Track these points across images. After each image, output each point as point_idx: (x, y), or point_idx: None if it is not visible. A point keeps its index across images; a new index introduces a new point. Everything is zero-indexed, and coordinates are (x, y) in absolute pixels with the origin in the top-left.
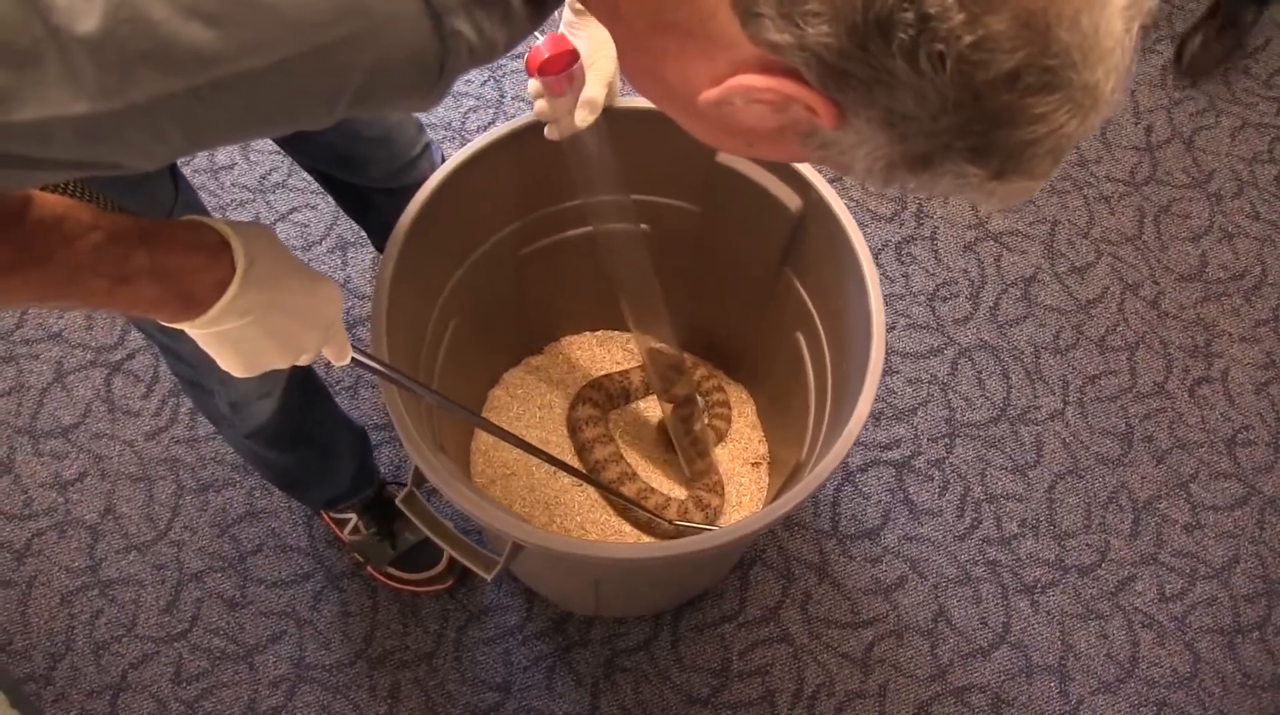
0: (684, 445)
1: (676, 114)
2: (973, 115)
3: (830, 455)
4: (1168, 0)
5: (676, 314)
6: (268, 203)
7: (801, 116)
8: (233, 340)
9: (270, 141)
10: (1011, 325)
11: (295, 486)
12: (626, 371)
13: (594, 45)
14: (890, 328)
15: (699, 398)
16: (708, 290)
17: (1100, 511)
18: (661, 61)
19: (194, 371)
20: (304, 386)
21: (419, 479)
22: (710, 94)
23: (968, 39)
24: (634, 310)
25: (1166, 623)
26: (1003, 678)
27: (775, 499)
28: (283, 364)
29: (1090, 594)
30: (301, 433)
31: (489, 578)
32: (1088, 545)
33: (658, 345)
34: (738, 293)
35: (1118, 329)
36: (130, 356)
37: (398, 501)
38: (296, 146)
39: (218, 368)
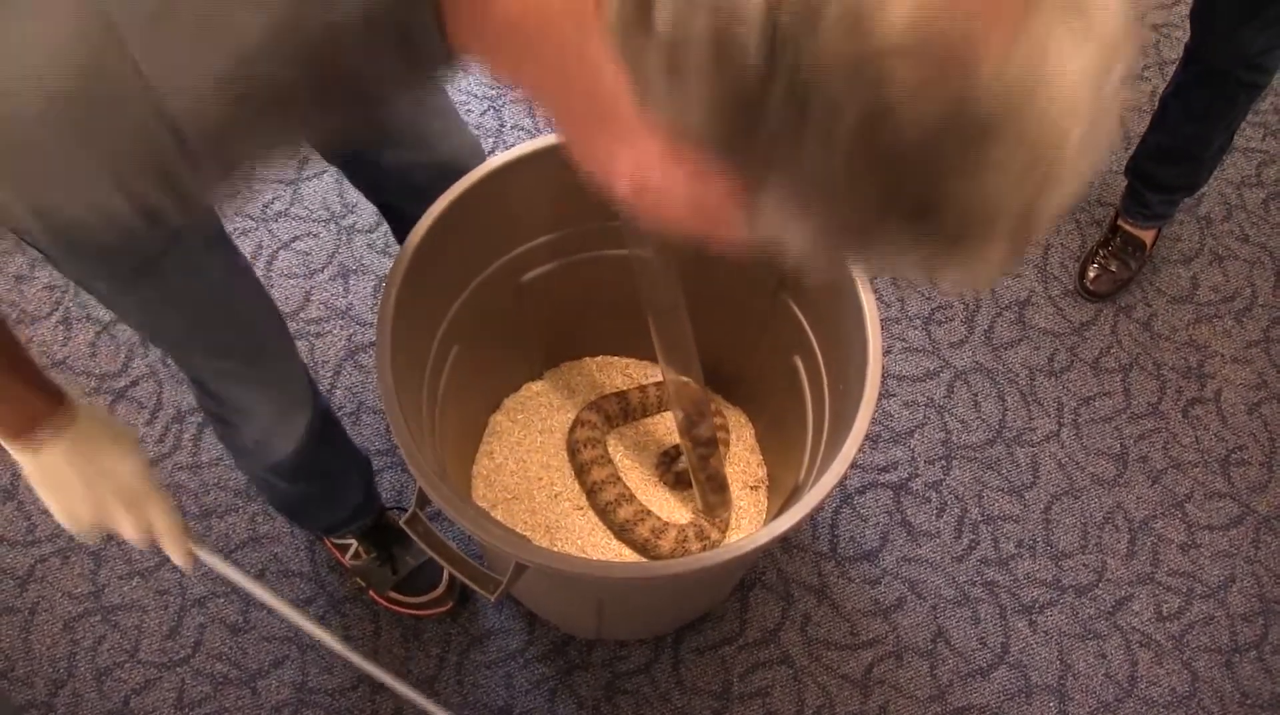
0: (699, 479)
1: (610, 194)
2: (891, 180)
3: (828, 475)
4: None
5: None
6: (270, 231)
7: (714, 199)
8: (51, 480)
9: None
10: (1006, 348)
11: (302, 514)
12: (624, 392)
13: None
14: (886, 351)
15: (719, 440)
16: (705, 315)
17: (1096, 531)
18: (582, 144)
19: (220, 407)
20: (325, 421)
21: (423, 501)
22: (623, 185)
23: (856, 102)
24: (663, 341)
25: (1164, 642)
26: (1002, 698)
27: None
28: (90, 519)
29: (1088, 614)
30: (319, 465)
31: (492, 598)
32: (1084, 565)
33: (684, 379)
34: (735, 317)
35: (1111, 351)
36: (134, 383)
37: (401, 523)
38: (363, 178)
39: (244, 403)
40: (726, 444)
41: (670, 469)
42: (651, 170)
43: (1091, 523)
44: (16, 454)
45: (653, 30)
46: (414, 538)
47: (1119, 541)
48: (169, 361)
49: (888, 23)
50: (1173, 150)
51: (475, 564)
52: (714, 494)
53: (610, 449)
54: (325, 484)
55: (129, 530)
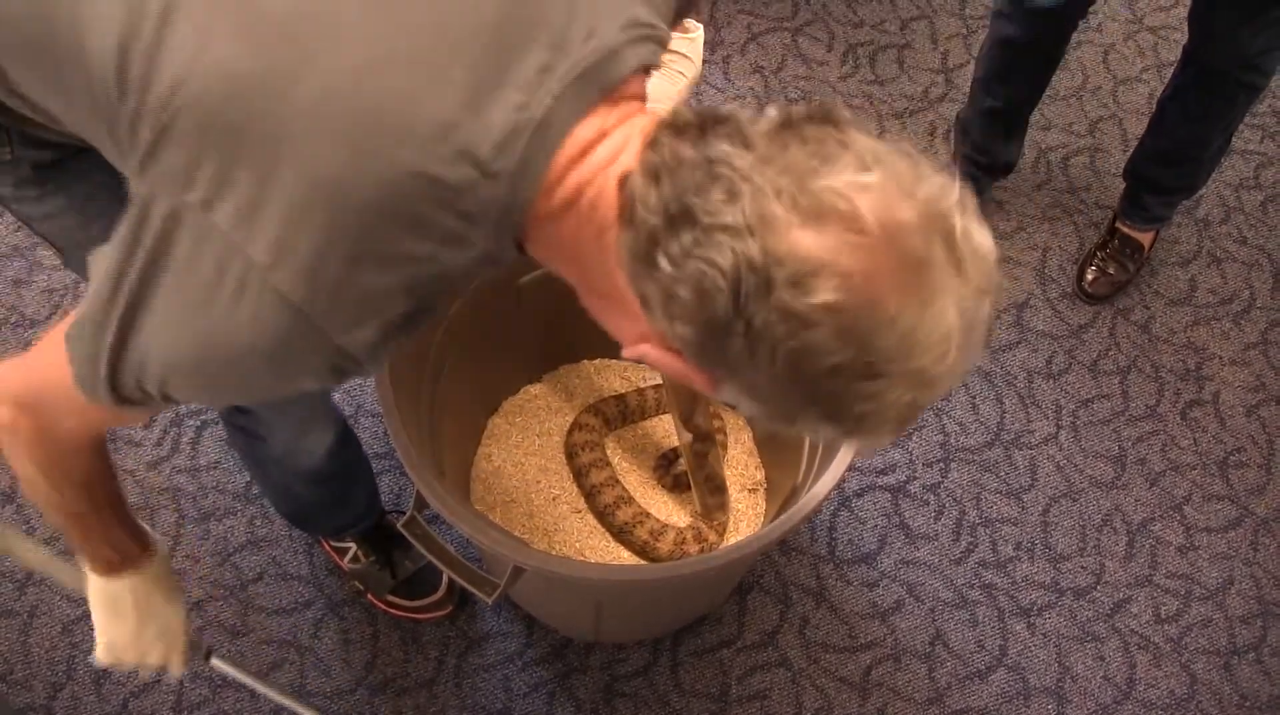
0: (698, 480)
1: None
2: (809, 393)
3: (826, 477)
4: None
5: None
6: None
7: (691, 379)
8: (112, 608)
9: None
10: (1004, 351)
11: (312, 519)
12: (622, 395)
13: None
14: None
15: (716, 436)
16: None
17: (1095, 534)
18: (599, 313)
19: (248, 418)
20: (346, 428)
21: (421, 504)
22: (628, 352)
23: (790, 344)
24: None
25: (1162, 644)
26: (1000, 700)
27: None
28: (131, 656)
29: (1086, 616)
30: (339, 470)
31: (489, 601)
32: (1083, 567)
33: None
34: None
35: (1109, 353)
36: None
37: (399, 526)
38: None
39: (274, 418)
40: (725, 446)
41: (669, 471)
42: (646, 353)
43: (1090, 525)
44: (93, 576)
45: (656, 271)
46: (412, 541)
47: (1117, 544)
48: None
49: (817, 295)
50: (1170, 152)
51: (473, 567)
52: (712, 495)
53: (609, 452)
54: (341, 488)
55: (154, 664)
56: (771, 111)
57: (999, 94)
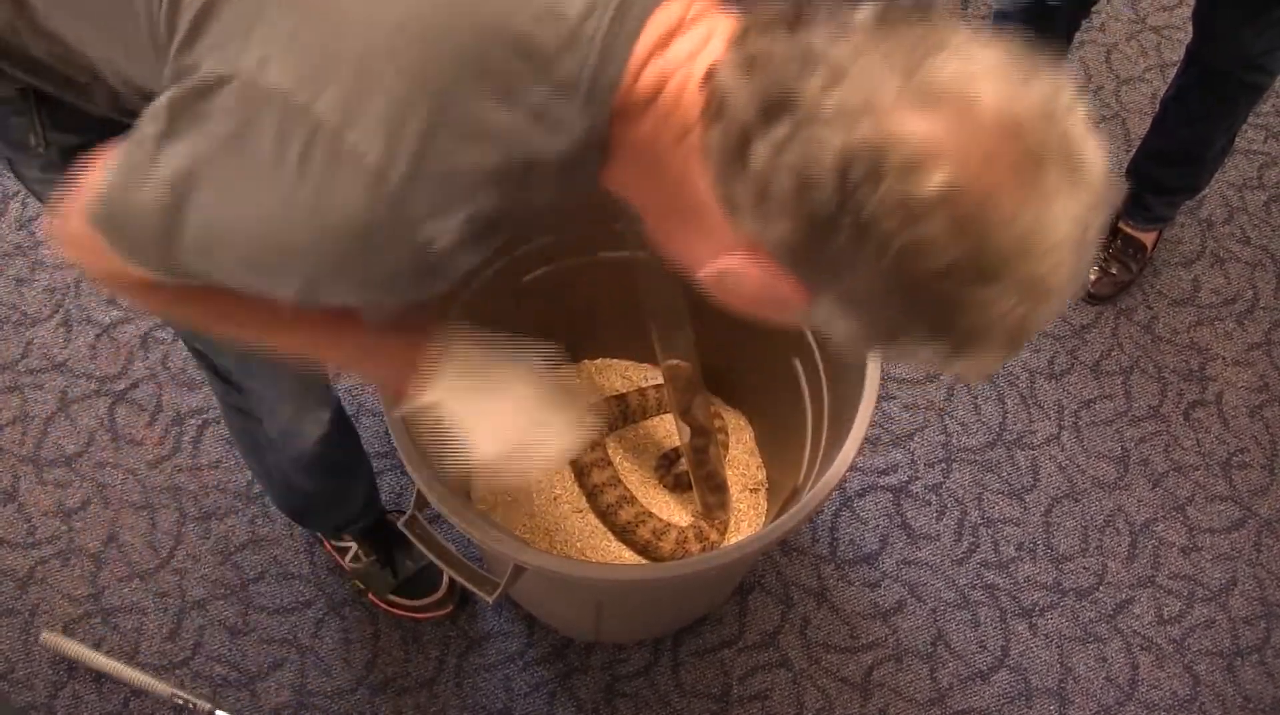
0: (698, 477)
1: (695, 284)
2: (918, 301)
3: (827, 477)
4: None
5: None
6: None
7: (782, 295)
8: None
9: None
10: None
11: (311, 514)
12: (623, 395)
13: None
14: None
15: (715, 433)
16: (704, 316)
17: (1097, 534)
18: (672, 237)
19: (244, 398)
20: (343, 415)
21: (421, 503)
22: (706, 272)
23: (902, 238)
24: (659, 326)
25: (1165, 645)
26: (1002, 701)
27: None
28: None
29: (1088, 617)
30: (337, 459)
31: (490, 600)
32: (1085, 568)
33: (675, 362)
34: (734, 319)
35: (1112, 354)
36: (134, 386)
37: (400, 525)
38: None
39: (268, 395)
40: (725, 446)
41: (670, 471)
42: (729, 267)
43: (1092, 526)
44: (419, 401)
45: (747, 167)
46: (412, 540)
47: (1120, 544)
48: (170, 364)
49: (931, 181)
50: (1173, 152)
51: (473, 566)
52: (712, 494)
53: (610, 452)
54: (340, 481)
55: (561, 436)
56: (866, 6)
57: None
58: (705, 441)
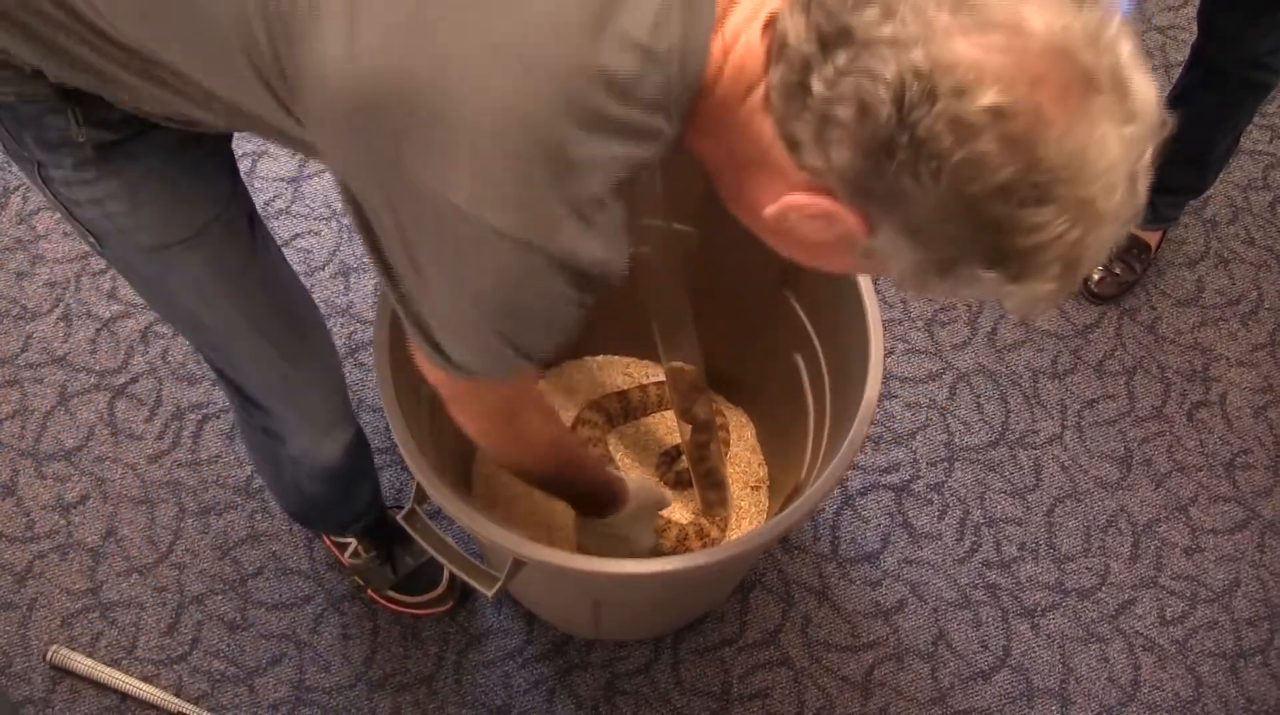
0: (698, 473)
1: (759, 232)
2: (974, 223)
3: (829, 473)
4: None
5: None
6: (271, 229)
7: (843, 229)
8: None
9: (275, 168)
10: (1009, 350)
11: (316, 517)
12: (624, 391)
13: None
14: (889, 352)
15: (716, 429)
16: (706, 313)
17: (1100, 535)
18: (739, 189)
19: (268, 418)
20: (359, 429)
21: (421, 497)
22: (770, 210)
23: (956, 157)
24: (662, 327)
25: (1168, 646)
26: (1003, 701)
27: None
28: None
29: (1091, 617)
30: (351, 468)
31: (489, 595)
32: (1088, 568)
33: (678, 364)
34: (736, 315)
35: (1115, 354)
36: (134, 380)
37: (399, 519)
38: None
39: (292, 415)
40: (727, 443)
41: (670, 469)
42: (792, 204)
43: (1095, 526)
44: (586, 519)
45: (809, 101)
46: (412, 534)
47: (1122, 545)
48: (170, 358)
49: (983, 98)
50: (1178, 152)
51: (473, 560)
52: (712, 490)
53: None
54: (347, 485)
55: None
56: None
57: None
58: (707, 437)
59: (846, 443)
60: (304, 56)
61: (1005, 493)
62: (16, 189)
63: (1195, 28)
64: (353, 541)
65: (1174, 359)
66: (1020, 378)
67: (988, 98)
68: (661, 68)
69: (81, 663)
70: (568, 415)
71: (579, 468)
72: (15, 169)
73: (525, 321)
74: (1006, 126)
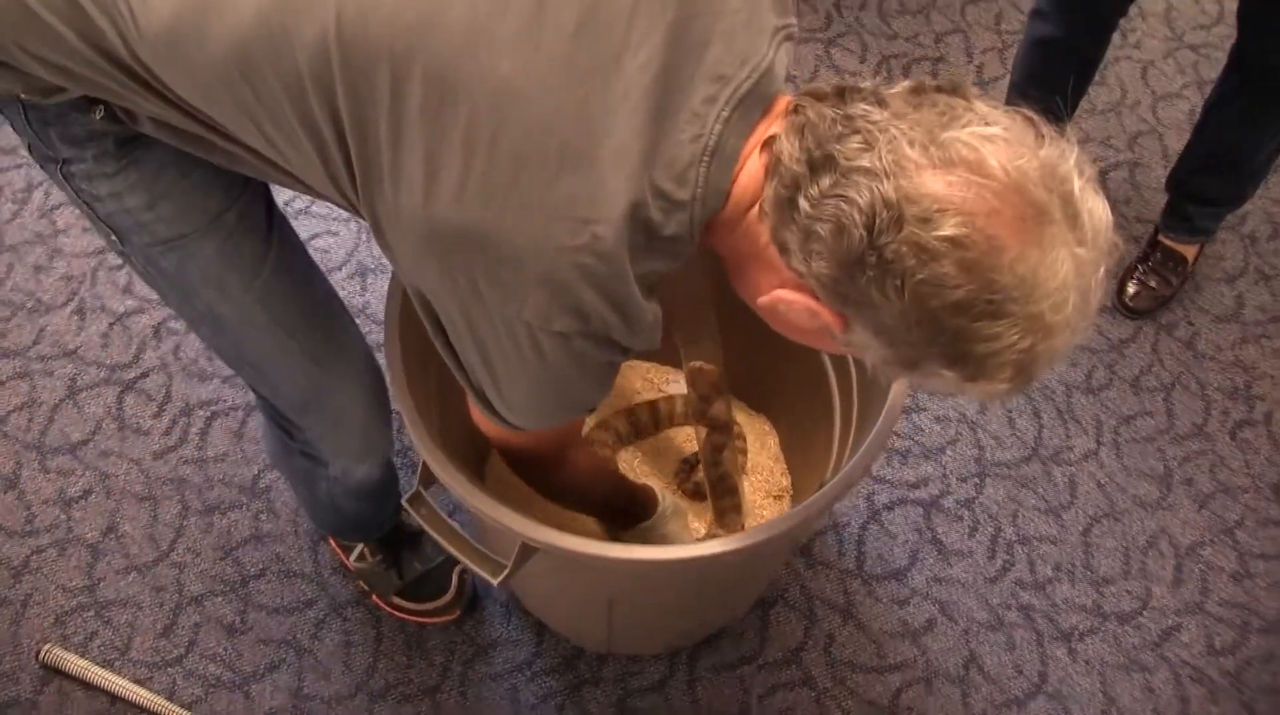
0: (712, 479)
1: (757, 311)
2: (934, 332)
3: (861, 452)
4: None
5: None
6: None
7: (824, 322)
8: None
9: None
10: None
11: (349, 529)
12: (633, 408)
13: None
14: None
15: (733, 430)
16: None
17: (1140, 556)
18: (741, 276)
19: (308, 445)
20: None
21: (427, 478)
22: (763, 300)
23: (918, 276)
24: (684, 326)
25: (1219, 679)
26: None
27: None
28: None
29: (1132, 643)
30: (388, 485)
31: (495, 582)
32: (1128, 591)
33: (698, 364)
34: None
35: (1152, 369)
36: (144, 375)
37: (404, 501)
38: None
39: (333, 437)
40: (744, 453)
41: (690, 478)
42: (782, 298)
43: (1134, 547)
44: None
45: (796, 217)
46: (415, 516)
47: (1164, 568)
48: (181, 354)
49: (943, 229)
50: (1215, 159)
51: (479, 546)
52: (725, 497)
53: (628, 456)
54: (381, 499)
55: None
56: (904, 81)
57: (1035, 98)
58: (723, 441)
59: (877, 426)
60: (378, 196)
61: (1039, 510)
62: (39, 184)
63: (1227, 46)
64: (359, 544)
65: (1214, 376)
66: (1053, 392)
67: (947, 228)
68: (685, 211)
69: (73, 663)
70: (588, 418)
71: (615, 483)
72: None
73: (581, 390)
74: (964, 253)
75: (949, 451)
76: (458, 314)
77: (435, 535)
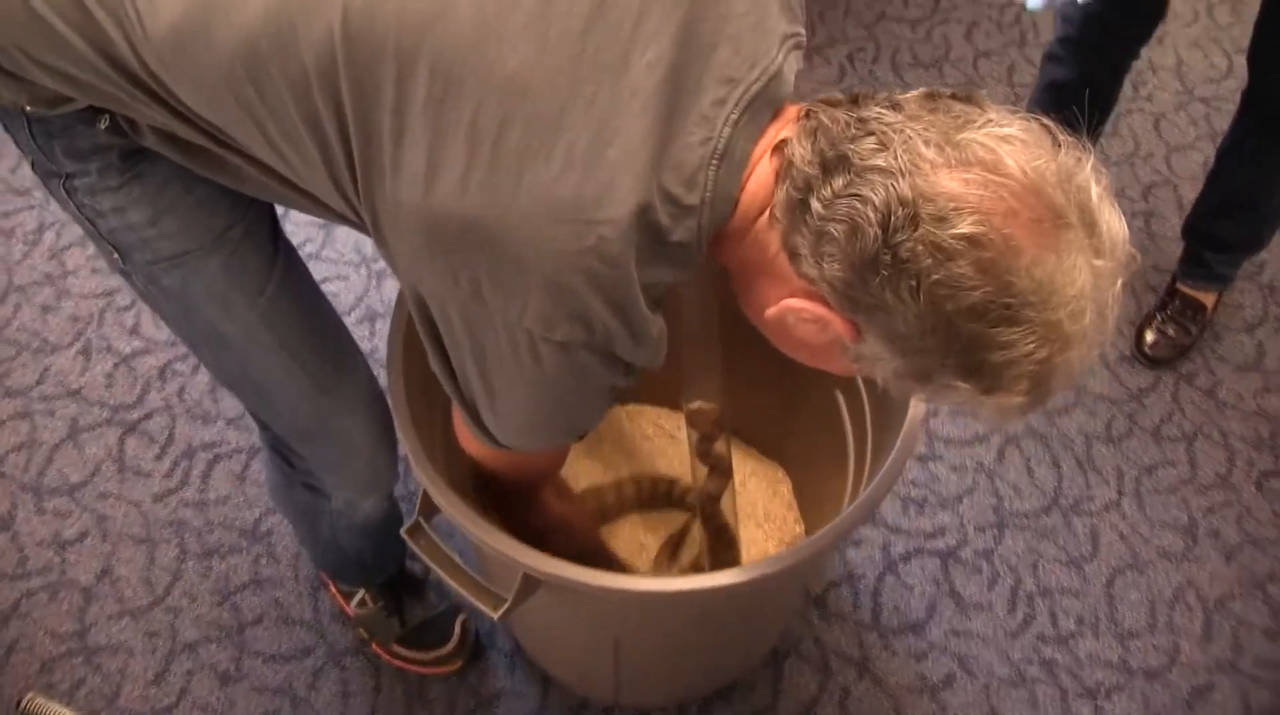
0: (710, 530)
1: (765, 331)
2: (949, 338)
3: (880, 475)
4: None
5: None
6: None
7: (835, 334)
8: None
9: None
10: (1060, 414)
11: (352, 571)
12: (599, 488)
13: None
14: (933, 413)
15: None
16: (742, 350)
17: (1166, 610)
18: (749, 291)
19: (310, 476)
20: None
21: (428, 509)
22: (771, 312)
23: (934, 277)
24: (689, 363)
25: None
26: None
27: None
28: None
29: (1162, 702)
30: (392, 522)
31: (496, 616)
32: (1154, 646)
33: (698, 405)
34: (771, 355)
35: (1173, 419)
36: (147, 416)
37: (402, 533)
38: None
39: (336, 467)
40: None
41: (674, 558)
42: (791, 307)
43: (1160, 600)
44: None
45: (808, 219)
46: (414, 548)
47: (1193, 622)
48: (186, 396)
49: (959, 227)
50: (1231, 204)
51: (478, 579)
52: (723, 550)
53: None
54: (384, 538)
55: None
56: (918, 89)
57: None
58: (722, 486)
59: (891, 456)
60: (379, 193)
61: (1060, 562)
62: (51, 225)
63: (1237, 98)
64: (361, 591)
65: (1237, 426)
66: (1073, 442)
67: (964, 226)
68: (693, 216)
69: (56, 712)
70: (592, 464)
71: (591, 546)
72: (52, 206)
73: (576, 409)
74: (980, 253)
75: (966, 501)
76: (457, 318)
77: (434, 567)
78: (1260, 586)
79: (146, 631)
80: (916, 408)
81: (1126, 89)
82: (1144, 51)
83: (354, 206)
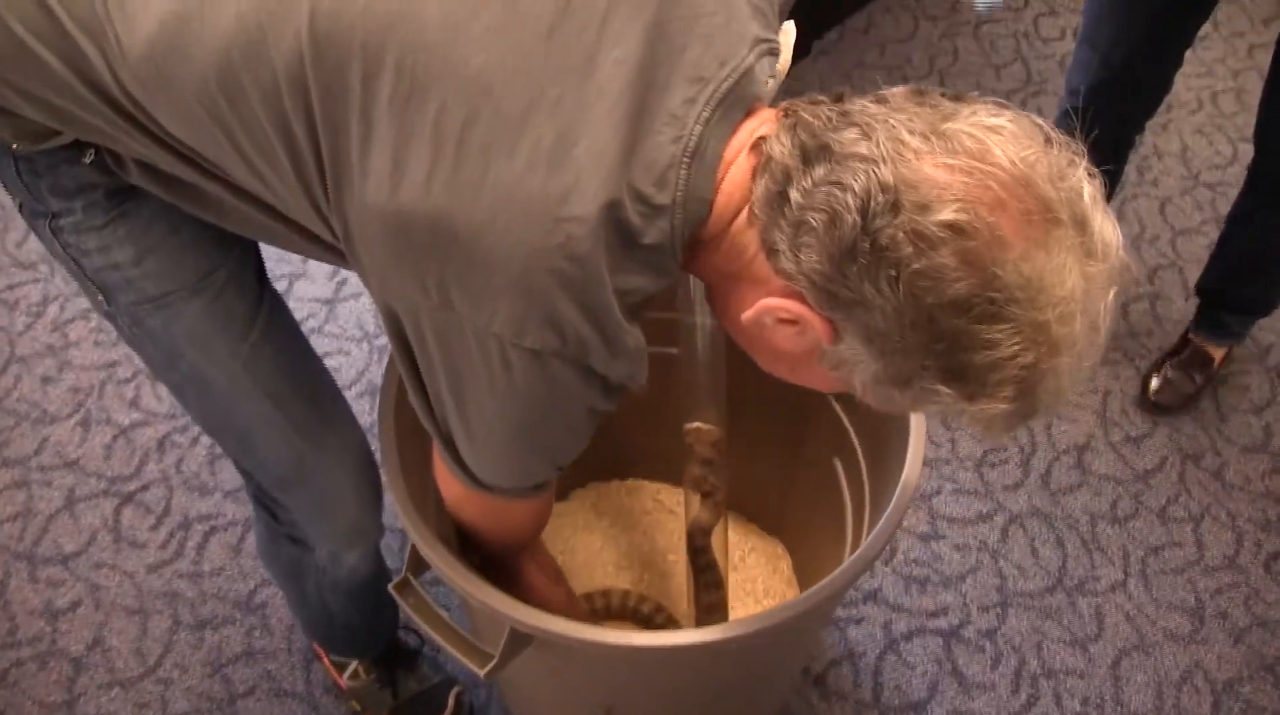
0: (697, 566)
1: (742, 342)
2: (930, 335)
3: (878, 529)
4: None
5: None
6: None
7: (813, 337)
8: None
9: (311, 289)
10: (1065, 493)
11: (343, 638)
12: (661, 606)
13: None
14: (936, 492)
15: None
16: (739, 418)
17: (1174, 692)
18: (725, 299)
19: (294, 527)
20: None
21: (417, 565)
22: (748, 314)
23: (914, 266)
24: (692, 383)
25: None
26: None
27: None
28: None
29: None
30: (379, 583)
31: (483, 673)
32: None
33: (697, 425)
34: (771, 420)
35: (1179, 499)
36: (144, 487)
37: (390, 589)
38: None
39: (318, 517)
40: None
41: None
42: (767, 307)
43: (1167, 682)
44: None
45: (786, 211)
46: (403, 606)
47: (1201, 705)
48: (184, 468)
49: (942, 214)
50: (1239, 269)
51: (466, 635)
52: (710, 591)
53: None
54: (375, 604)
55: None
56: (904, 86)
57: None
58: (714, 520)
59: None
60: (348, 198)
61: (1065, 642)
62: (55, 298)
63: (1253, 144)
64: (353, 662)
65: (1245, 507)
66: (1077, 522)
67: (947, 213)
68: (665, 217)
69: None
70: (591, 538)
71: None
72: (57, 279)
73: (553, 429)
74: (964, 242)
75: (969, 580)
76: (430, 331)
77: (421, 623)
78: (1269, 669)
79: (136, 703)
80: (913, 468)
81: (1131, 174)
82: (1149, 138)
83: (330, 225)
